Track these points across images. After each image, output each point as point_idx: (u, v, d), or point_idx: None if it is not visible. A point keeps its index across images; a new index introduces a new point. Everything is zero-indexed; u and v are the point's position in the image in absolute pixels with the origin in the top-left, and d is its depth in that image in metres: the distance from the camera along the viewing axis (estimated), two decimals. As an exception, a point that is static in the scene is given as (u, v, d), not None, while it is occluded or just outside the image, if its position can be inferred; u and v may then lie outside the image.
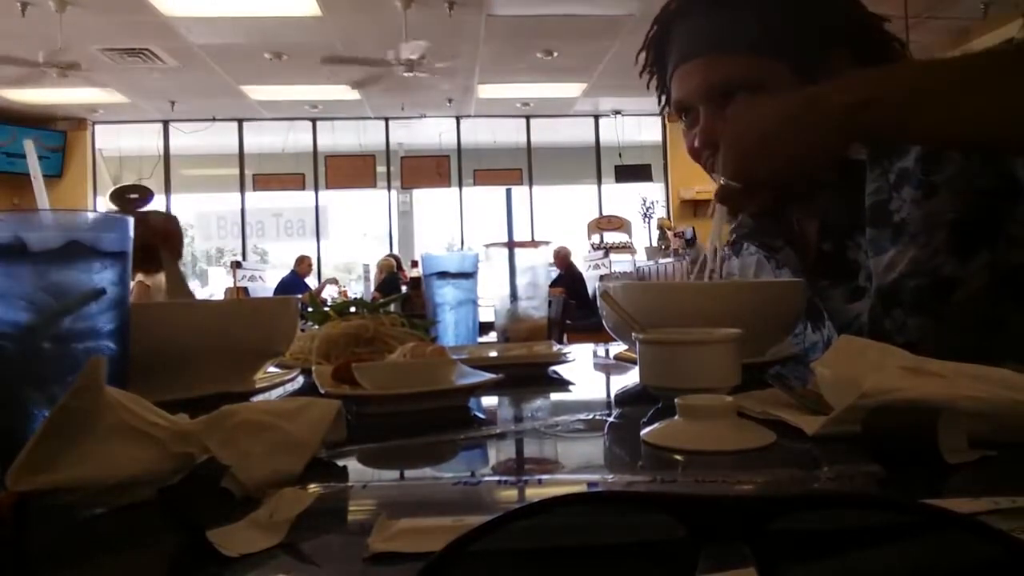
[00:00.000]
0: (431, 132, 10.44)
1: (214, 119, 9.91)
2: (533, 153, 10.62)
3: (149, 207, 1.09)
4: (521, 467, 0.58)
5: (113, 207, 1.08)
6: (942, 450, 0.45)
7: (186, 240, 12.88)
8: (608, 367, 1.15)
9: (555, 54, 7.78)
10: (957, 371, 0.50)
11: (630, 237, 9.97)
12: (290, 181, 10.36)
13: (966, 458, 0.46)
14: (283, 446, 0.47)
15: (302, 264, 9.22)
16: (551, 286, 6.41)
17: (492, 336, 1.30)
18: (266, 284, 9.00)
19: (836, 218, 0.98)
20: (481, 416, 0.76)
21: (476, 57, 7.74)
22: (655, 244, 9.59)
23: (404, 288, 6.27)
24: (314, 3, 6.24)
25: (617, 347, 1.17)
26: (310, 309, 1.12)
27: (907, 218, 0.89)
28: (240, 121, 10.16)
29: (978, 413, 0.47)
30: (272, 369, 0.97)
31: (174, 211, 10.41)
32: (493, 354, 1.07)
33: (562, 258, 7.95)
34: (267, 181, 10.33)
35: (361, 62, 6.59)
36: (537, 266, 1.24)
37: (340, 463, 0.54)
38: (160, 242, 0.97)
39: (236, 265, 9.10)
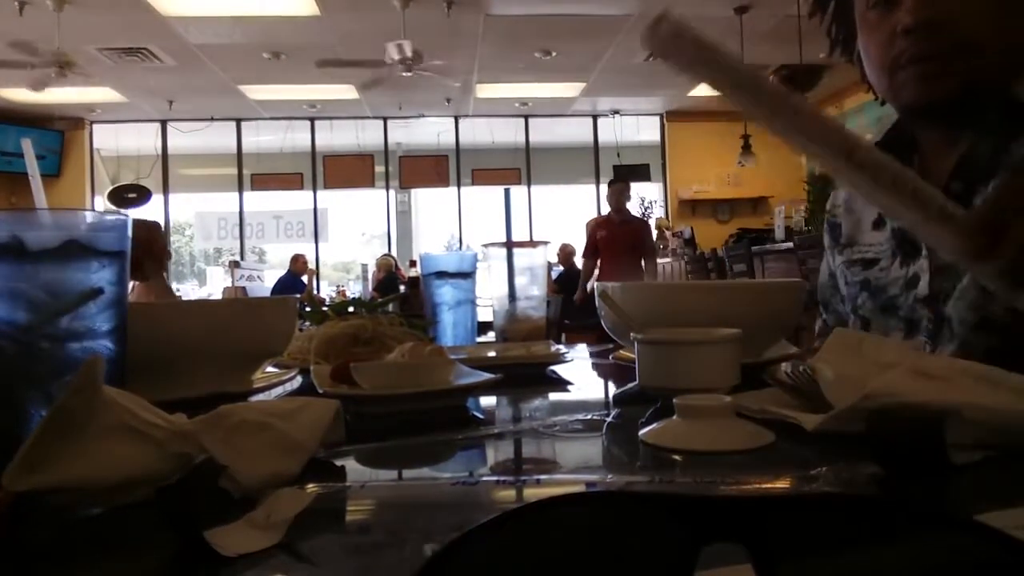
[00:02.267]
0: (430, 132, 10.44)
1: (212, 119, 9.90)
2: (531, 153, 10.62)
3: (143, 208, 1.07)
4: (519, 467, 0.58)
5: (111, 206, 1.07)
6: (948, 450, 0.45)
7: (184, 240, 12.95)
8: (606, 367, 1.15)
9: (553, 54, 7.78)
10: (961, 372, 0.50)
11: (628, 237, 9.97)
12: (288, 181, 10.35)
13: (971, 458, 0.46)
14: (281, 446, 0.47)
15: (297, 263, 9.21)
16: (555, 281, 6.33)
17: (491, 336, 1.30)
18: (264, 284, 9.00)
19: (977, 159, 0.95)
20: (479, 416, 0.76)
21: (474, 57, 7.74)
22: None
23: (402, 288, 6.28)
24: (312, 3, 6.23)
25: (615, 347, 1.17)
26: (308, 309, 1.12)
27: None
28: (238, 121, 10.15)
29: (982, 421, 0.47)
30: (270, 369, 0.97)
31: (173, 211, 10.44)
32: (491, 354, 1.07)
33: (566, 255, 7.95)
34: (265, 181, 10.32)
35: (359, 64, 6.58)
36: (536, 266, 1.24)
37: (338, 463, 0.54)
38: (143, 253, 0.95)
39: (234, 265, 9.10)
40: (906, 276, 1.00)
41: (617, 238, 6.26)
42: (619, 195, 6.49)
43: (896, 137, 1.05)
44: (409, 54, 6.29)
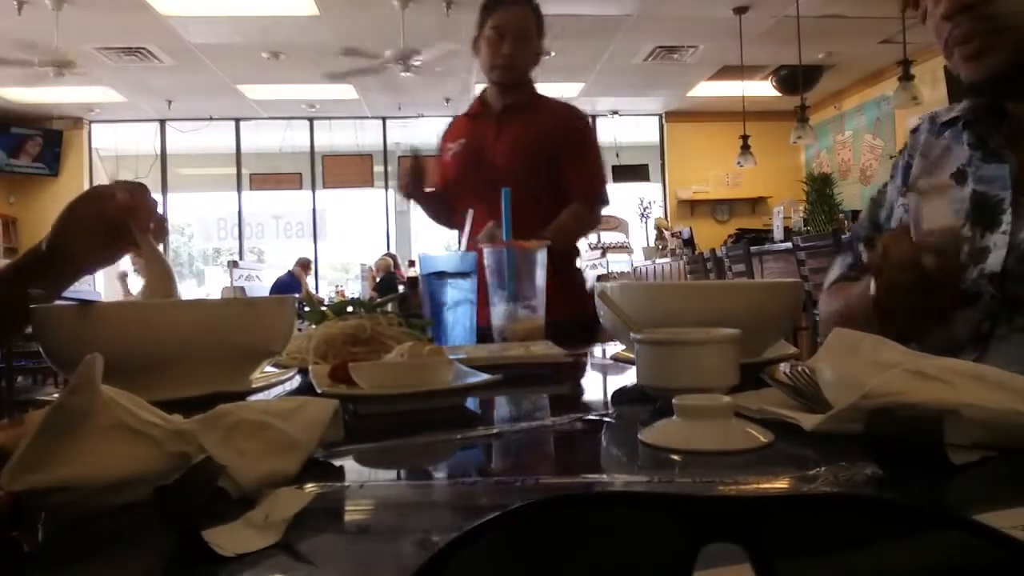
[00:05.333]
0: (429, 132, 10.43)
1: (211, 118, 9.89)
2: (531, 153, 10.61)
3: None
4: (519, 467, 0.58)
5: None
6: (947, 450, 0.45)
7: (183, 239, 12.95)
8: (606, 367, 1.15)
9: (552, 54, 7.78)
10: (960, 372, 0.50)
11: (627, 237, 9.98)
12: (287, 180, 10.35)
13: (970, 458, 0.46)
14: (279, 446, 0.47)
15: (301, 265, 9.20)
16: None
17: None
18: (263, 284, 8.99)
19: None
20: (479, 416, 0.76)
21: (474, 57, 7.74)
22: (652, 244, 9.60)
23: (401, 288, 6.27)
24: (311, 2, 6.23)
25: (615, 347, 1.17)
26: (307, 309, 1.12)
27: None
28: (237, 120, 10.14)
29: (980, 421, 0.47)
30: (269, 369, 0.96)
31: (171, 211, 10.42)
32: (490, 354, 1.07)
33: (565, 256, 7.91)
34: (264, 180, 10.32)
35: (369, 56, 6.54)
36: (535, 266, 1.24)
37: (336, 463, 0.53)
38: (128, 217, 0.92)
39: (233, 265, 9.09)
40: (974, 244, 0.94)
41: (494, 144, 2.25)
42: (518, 35, 2.24)
43: (985, 106, 1.03)
44: (420, 61, 6.26)
